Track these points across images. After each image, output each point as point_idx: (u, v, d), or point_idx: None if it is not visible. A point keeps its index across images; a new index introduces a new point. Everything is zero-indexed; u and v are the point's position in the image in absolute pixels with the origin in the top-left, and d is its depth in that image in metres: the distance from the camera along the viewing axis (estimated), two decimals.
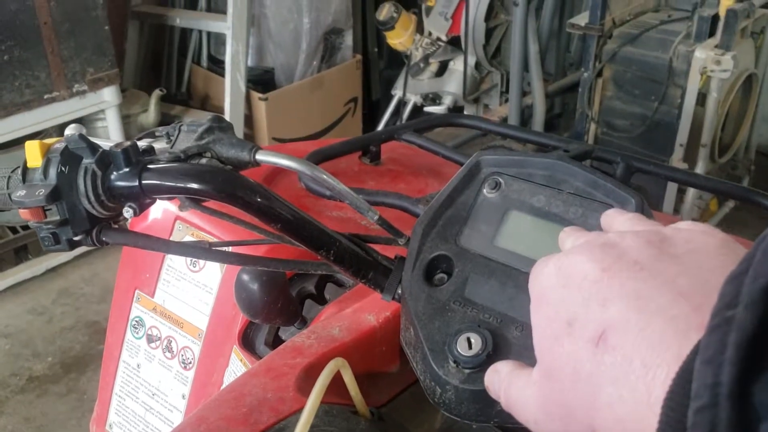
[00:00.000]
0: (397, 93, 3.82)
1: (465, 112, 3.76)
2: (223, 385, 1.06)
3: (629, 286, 0.40)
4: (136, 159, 0.67)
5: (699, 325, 0.35)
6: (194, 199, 0.71)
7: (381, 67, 4.33)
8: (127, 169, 0.67)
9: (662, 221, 0.70)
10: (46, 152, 0.67)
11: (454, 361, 0.61)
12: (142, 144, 0.71)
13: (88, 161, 0.67)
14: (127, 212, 0.69)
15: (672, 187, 2.84)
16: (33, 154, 0.66)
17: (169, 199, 0.74)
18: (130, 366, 1.24)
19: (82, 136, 0.66)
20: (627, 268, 0.41)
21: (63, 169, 0.66)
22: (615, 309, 0.39)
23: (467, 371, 0.61)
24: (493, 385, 0.53)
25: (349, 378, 0.70)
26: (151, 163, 0.68)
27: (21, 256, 3.19)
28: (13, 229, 3.07)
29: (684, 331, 0.36)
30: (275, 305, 0.92)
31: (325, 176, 0.71)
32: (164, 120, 3.57)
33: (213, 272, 1.13)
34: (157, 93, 3.46)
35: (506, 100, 3.60)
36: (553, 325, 0.43)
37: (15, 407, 2.57)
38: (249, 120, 3.60)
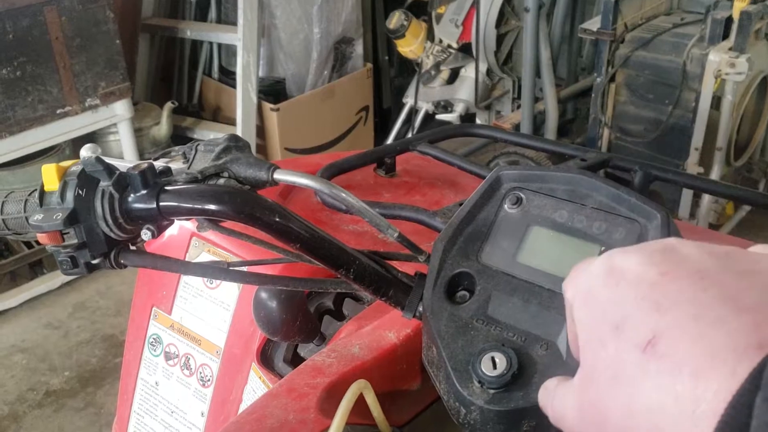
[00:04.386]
0: (409, 101, 3.82)
1: (477, 119, 3.75)
2: (243, 403, 1.05)
3: (688, 293, 0.38)
4: (154, 181, 0.67)
5: (759, 343, 0.33)
6: (212, 220, 0.70)
7: (392, 75, 4.33)
8: (144, 191, 0.66)
9: (685, 230, 0.68)
10: (63, 175, 0.66)
11: (479, 381, 0.60)
12: (158, 165, 0.71)
13: (105, 184, 0.66)
14: (145, 234, 0.68)
15: (688, 192, 2.82)
16: (50, 177, 0.66)
17: (187, 219, 0.73)
18: (149, 383, 1.23)
19: (98, 159, 0.66)
20: (688, 275, 0.38)
21: (80, 192, 0.65)
22: (670, 315, 0.37)
23: (492, 391, 0.59)
24: (544, 401, 0.51)
25: (371, 399, 0.69)
26: (169, 184, 0.67)
27: (36, 270, 3.20)
28: (28, 244, 3.08)
29: (743, 346, 0.34)
30: (294, 323, 0.91)
31: (344, 194, 0.70)
32: (176, 132, 3.58)
33: (230, 289, 1.13)
34: (168, 105, 3.47)
35: (518, 107, 3.59)
36: (600, 327, 0.41)
37: (32, 422, 2.57)
38: (261, 131, 3.61)
